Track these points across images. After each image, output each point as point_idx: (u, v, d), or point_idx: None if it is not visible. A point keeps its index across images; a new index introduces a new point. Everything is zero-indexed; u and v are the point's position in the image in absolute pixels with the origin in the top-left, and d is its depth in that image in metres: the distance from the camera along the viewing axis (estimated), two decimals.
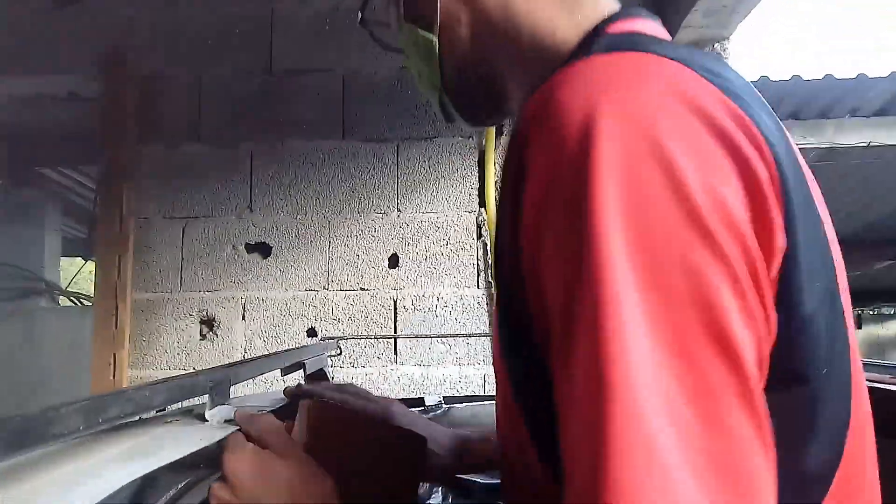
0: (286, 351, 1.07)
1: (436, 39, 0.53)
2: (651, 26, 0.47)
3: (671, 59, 0.36)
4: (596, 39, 0.44)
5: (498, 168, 2.20)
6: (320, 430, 0.61)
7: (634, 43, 0.41)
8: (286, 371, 1.05)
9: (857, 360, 0.41)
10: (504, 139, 2.24)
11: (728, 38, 2.15)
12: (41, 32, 2.33)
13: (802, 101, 3.60)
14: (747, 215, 0.32)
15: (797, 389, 0.35)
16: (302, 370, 1.10)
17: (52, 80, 2.42)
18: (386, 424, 0.72)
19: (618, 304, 0.29)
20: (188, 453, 0.52)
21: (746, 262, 0.32)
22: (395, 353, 2.20)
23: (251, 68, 2.30)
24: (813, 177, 0.42)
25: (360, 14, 0.59)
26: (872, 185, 4.80)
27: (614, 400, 0.28)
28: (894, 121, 3.75)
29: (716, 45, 2.15)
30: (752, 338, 0.31)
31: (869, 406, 0.42)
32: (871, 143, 3.75)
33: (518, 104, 0.54)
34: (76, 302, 3.80)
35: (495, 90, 0.55)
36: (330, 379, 1.22)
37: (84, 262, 5.58)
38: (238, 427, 0.59)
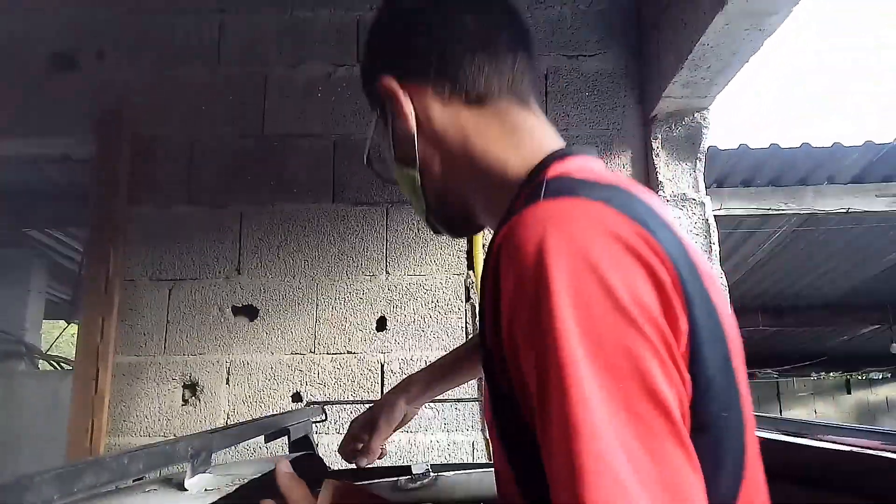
0: (270, 416, 1.05)
1: (417, 176, 0.68)
2: (579, 163, 0.60)
3: (595, 200, 0.50)
4: (540, 184, 0.56)
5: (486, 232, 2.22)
6: None
7: (567, 189, 0.54)
8: (269, 437, 1.02)
9: (748, 407, 0.54)
10: None
11: (707, 108, 2.23)
12: (38, 95, 2.37)
13: (781, 169, 3.70)
14: (658, 308, 0.45)
15: (707, 431, 0.47)
16: (286, 437, 1.07)
17: (47, 142, 2.45)
18: None
19: (580, 382, 0.41)
20: None
21: (662, 341, 0.44)
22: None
23: (243, 131, 2.35)
24: (709, 272, 0.55)
25: (365, 156, 0.72)
26: (854, 250, 4.88)
27: (584, 447, 0.39)
28: (871, 188, 3.85)
29: (695, 115, 2.22)
30: (674, 393, 0.44)
31: (756, 444, 0.55)
32: (850, 210, 3.84)
33: (486, 220, 0.71)
34: (56, 366, 3.72)
35: (468, 212, 0.70)
36: (314, 446, 1.19)
37: (67, 324, 5.49)
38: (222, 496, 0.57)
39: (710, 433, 0.48)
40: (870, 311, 6.76)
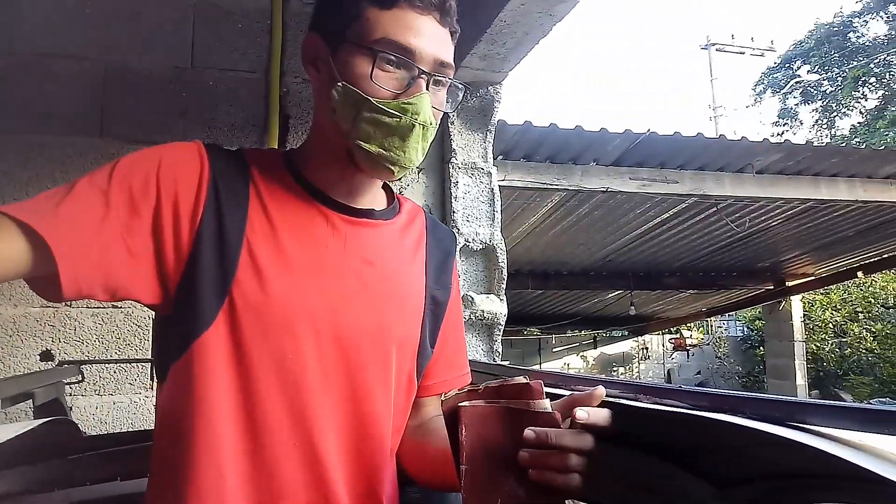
0: (9, 378, 0.91)
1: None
2: None
3: None
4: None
5: None
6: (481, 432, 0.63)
7: None
8: (9, 402, 0.89)
9: None
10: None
11: (500, 83, 2.36)
12: None
13: (558, 148, 4.09)
14: None
15: None
16: (30, 401, 0.94)
17: None
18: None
19: None
20: None
21: None
22: (153, 379, 1.99)
23: None
24: None
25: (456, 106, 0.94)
26: (610, 223, 5.61)
27: None
28: (626, 171, 4.44)
29: (489, 88, 2.34)
30: None
31: None
32: (609, 188, 4.39)
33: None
34: None
35: None
36: (67, 409, 1.07)
37: None
38: None
39: None
40: (616, 278, 7.86)
